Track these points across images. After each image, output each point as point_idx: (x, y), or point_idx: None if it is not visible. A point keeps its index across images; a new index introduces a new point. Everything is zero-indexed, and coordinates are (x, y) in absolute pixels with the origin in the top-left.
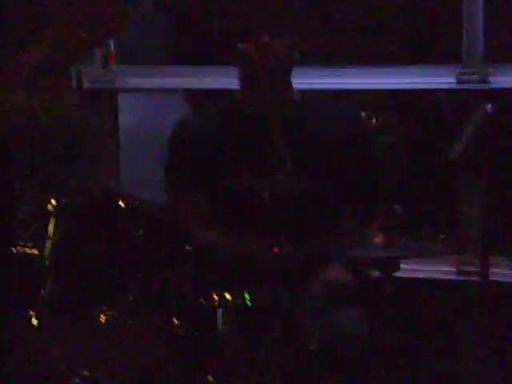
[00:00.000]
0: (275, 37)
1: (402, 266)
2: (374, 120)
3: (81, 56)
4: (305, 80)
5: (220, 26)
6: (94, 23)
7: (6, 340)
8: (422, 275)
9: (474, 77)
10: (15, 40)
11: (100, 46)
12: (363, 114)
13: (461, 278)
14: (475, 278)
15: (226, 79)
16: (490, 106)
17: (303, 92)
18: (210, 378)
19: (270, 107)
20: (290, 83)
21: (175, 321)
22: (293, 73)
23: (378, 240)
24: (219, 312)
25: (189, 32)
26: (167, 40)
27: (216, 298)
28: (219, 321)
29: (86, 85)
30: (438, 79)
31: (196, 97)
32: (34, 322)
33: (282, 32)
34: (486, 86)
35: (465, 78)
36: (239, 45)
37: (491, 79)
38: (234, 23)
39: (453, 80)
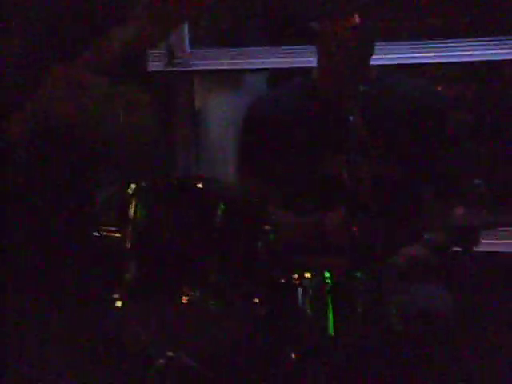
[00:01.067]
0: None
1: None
2: (451, 93)
3: (174, 30)
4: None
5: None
6: None
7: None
8: (501, 249)
9: None
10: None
11: (193, 20)
12: (440, 88)
13: None
14: None
15: (303, 59)
16: None
17: (379, 68)
18: (293, 356)
19: (347, 85)
20: (367, 62)
21: (256, 300)
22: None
23: (459, 213)
24: (299, 291)
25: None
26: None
27: (296, 277)
28: (299, 300)
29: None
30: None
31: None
32: (119, 304)
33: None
34: None
35: None
36: (315, 24)
37: None
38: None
39: None
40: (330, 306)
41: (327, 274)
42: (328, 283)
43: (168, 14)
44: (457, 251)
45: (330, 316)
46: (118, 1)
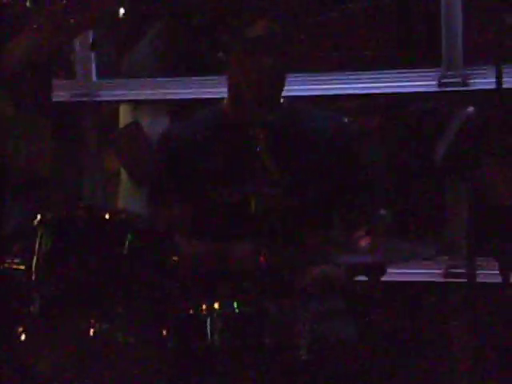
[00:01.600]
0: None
1: (389, 270)
2: (357, 126)
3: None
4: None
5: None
6: (82, 6)
7: None
8: (409, 278)
9: (455, 80)
10: None
11: (90, 29)
12: (347, 120)
13: (449, 279)
14: (463, 280)
15: (211, 89)
16: (471, 108)
17: (287, 99)
18: None
19: (255, 115)
20: (276, 93)
21: (164, 332)
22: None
23: (364, 244)
24: (208, 321)
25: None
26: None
27: (205, 307)
28: (209, 330)
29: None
30: (419, 83)
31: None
32: (23, 337)
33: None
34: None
35: (445, 81)
36: (220, 54)
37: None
38: (217, 32)
39: (434, 83)
40: (239, 336)
41: (236, 305)
42: (237, 313)
43: (68, 24)
44: (364, 280)
45: (248, 347)
46: (20, 10)
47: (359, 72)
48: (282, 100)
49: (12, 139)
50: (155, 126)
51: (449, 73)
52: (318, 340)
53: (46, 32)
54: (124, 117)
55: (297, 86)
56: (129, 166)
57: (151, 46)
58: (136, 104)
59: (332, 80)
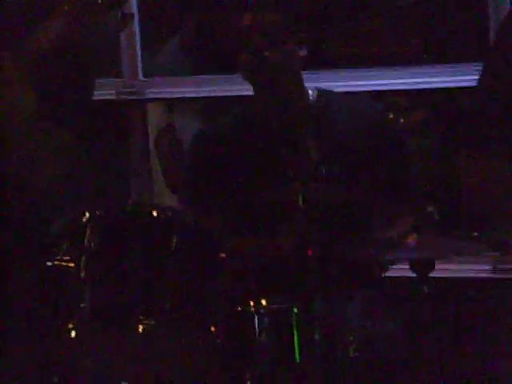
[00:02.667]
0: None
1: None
2: (401, 120)
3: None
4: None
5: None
6: None
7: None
8: (457, 274)
9: None
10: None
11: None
12: (391, 115)
13: (497, 276)
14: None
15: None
16: None
17: (321, 93)
18: None
19: (288, 113)
20: (301, 85)
21: (213, 328)
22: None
23: (412, 241)
24: (256, 318)
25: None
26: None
27: (252, 304)
28: (256, 327)
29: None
30: (468, 77)
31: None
32: (73, 334)
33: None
34: None
35: None
36: (241, 57)
37: None
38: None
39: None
40: (295, 332)
41: (283, 301)
42: (285, 310)
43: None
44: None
45: (296, 343)
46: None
47: (409, 66)
48: (316, 93)
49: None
50: (189, 128)
51: None
52: (367, 337)
53: (72, 15)
54: (158, 119)
55: (343, 82)
56: (164, 172)
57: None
58: (170, 105)
59: (383, 75)
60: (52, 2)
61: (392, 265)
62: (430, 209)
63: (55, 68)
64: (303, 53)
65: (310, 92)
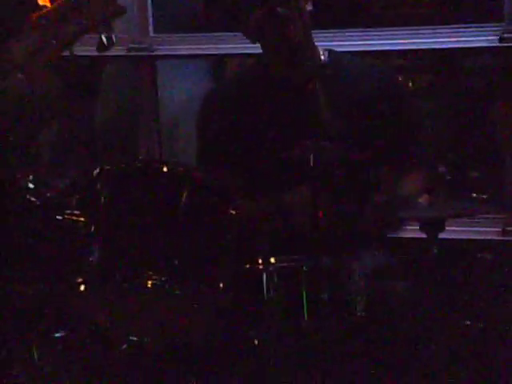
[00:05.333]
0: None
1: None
2: (410, 83)
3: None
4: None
5: None
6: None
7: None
8: (466, 236)
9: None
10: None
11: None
12: (400, 77)
13: (506, 238)
14: None
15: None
16: None
17: (335, 52)
18: (256, 342)
19: (300, 72)
20: (311, 43)
21: (221, 285)
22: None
23: (423, 200)
24: (264, 276)
25: None
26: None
27: (261, 262)
28: (265, 285)
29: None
30: (479, 38)
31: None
32: (82, 288)
33: None
34: None
35: (508, 36)
36: (252, 18)
37: None
38: None
39: (495, 38)
40: (303, 290)
41: (292, 260)
42: (293, 268)
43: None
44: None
45: (304, 301)
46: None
47: (418, 27)
48: (328, 53)
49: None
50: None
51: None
52: (374, 297)
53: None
54: None
55: (351, 42)
56: None
57: None
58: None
59: (389, 35)
60: None
61: (403, 225)
62: (441, 169)
63: None
64: (309, 7)
65: (321, 52)
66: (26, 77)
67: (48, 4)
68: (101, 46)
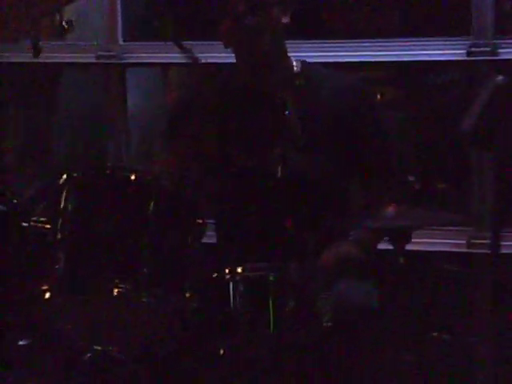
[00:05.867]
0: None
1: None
2: (379, 95)
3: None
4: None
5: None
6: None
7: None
8: (432, 248)
9: (485, 49)
10: None
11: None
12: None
13: (472, 250)
14: (486, 251)
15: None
16: (501, 77)
17: (307, 63)
18: (221, 352)
19: (270, 81)
20: (283, 53)
21: (188, 294)
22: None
23: (390, 210)
24: (231, 286)
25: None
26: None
27: (227, 271)
28: (231, 295)
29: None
30: (448, 52)
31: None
32: (47, 295)
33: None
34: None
35: (475, 50)
36: (221, 27)
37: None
38: None
39: (463, 52)
40: (270, 301)
41: (259, 269)
42: (260, 278)
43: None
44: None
45: (270, 312)
46: None
47: (385, 39)
48: (300, 65)
49: None
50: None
51: (478, 41)
52: (341, 307)
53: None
54: None
55: (320, 53)
56: None
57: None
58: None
59: (357, 47)
60: None
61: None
62: (410, 178)
63: None
64: (286, 20)
65: (294, 63)
66: None
67: None
68: (62, 31)
